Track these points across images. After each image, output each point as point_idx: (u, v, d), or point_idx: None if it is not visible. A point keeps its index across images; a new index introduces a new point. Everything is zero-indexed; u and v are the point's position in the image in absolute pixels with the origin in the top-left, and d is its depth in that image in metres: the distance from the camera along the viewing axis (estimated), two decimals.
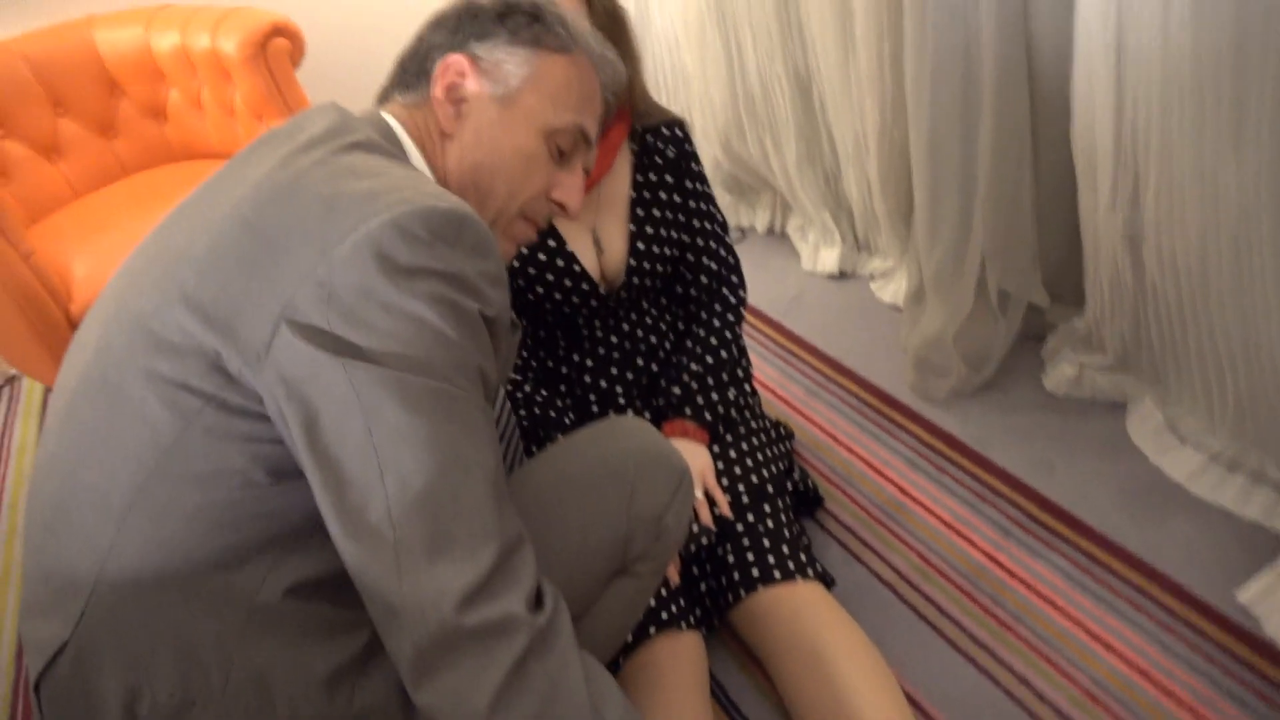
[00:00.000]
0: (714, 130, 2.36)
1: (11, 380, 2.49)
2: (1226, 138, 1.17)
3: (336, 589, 0.74)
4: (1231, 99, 1.15)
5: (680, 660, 1.19)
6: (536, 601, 0.71)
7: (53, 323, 1.82)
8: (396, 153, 0.84)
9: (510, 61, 0.88)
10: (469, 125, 0.88)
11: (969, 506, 1.48)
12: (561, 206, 0.96)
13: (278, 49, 2.13)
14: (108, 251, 1.94)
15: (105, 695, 0.70)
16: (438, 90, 0.88)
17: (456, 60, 0.88)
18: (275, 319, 0.68)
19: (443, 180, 0.89)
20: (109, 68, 2.31)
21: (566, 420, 1.40)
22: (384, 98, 0.93)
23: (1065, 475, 1.50)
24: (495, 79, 0.88)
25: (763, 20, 2.04)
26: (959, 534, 1.44)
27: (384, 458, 0.66)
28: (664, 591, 1.24)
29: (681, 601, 1.25)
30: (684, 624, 1.22)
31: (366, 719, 0.75)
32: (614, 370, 1.45)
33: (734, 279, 1.50)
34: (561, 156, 0.93)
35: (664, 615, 1.21)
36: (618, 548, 1.00)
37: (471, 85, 0.88)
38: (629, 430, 1.05)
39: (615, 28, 1.27)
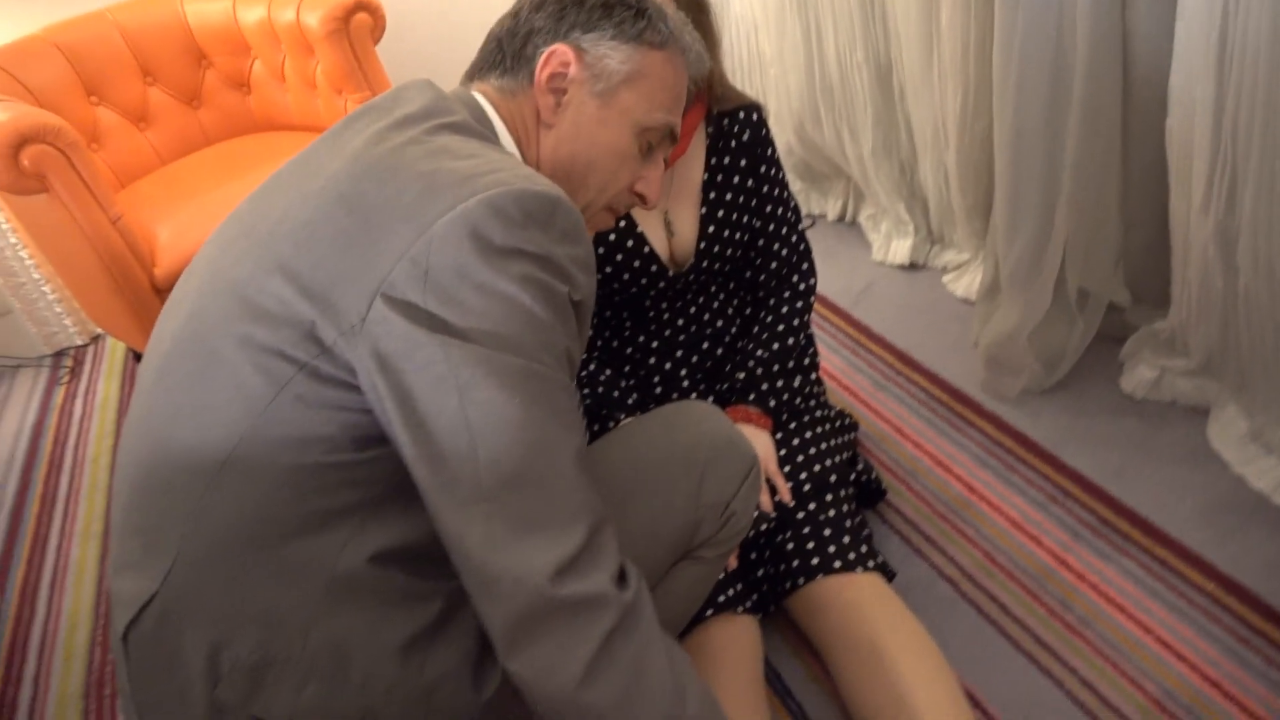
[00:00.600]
0: (788, 116, 2.34)
1: (96, 340, 2.58)
2: None
3: (414, 559, 0.76)
4: None
5: (735, 644, 1.19)
6: (621, 579, 0.73)
7: (137, 285, 1.88)
8: (489, 135, 0.84)
9: (614, 56, 0.88)
10: (568, 116, 0.88)
11: (1038, 507, 1.45)
12: (641, 197, 0.97)
13: (360, 24, 2.17)
14: (190, 217, 2.00)
15: (189, 649, 0.73)
16: (540, 79, 0.87)
17: (562, 50, 0.87)
18: (371, 293, 0.69)
19: (534, 168, 0.89)
20: (197, 39, 2.37)
21: (630, 401, 1.40)
22: (475, 75, 0.93)
23: (1140, 480, 1.46)
24: (597, 73, 0.88)
25: (845, 7, 2.01)
26: (1027, 534, 1.41)
27: (477, 433, 0.68)
28: (721, 575, 1.24)
29: (739, 586, 1.25)
30: (740, 608, 1.22)
31: (436, 688, 0.77)
32: (679, 353, 1.45)
33: (804, 266, 1.49)
34: (649, 150, 0.93)
35: (720, 599, 1.21)
36: (685, 532, 1.00)
37: (574, 77, 0.88)
38: (701, 415, 1.06)
39: (698, 13, 1.26)
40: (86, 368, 2.45)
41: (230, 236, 0.81)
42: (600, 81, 0.88)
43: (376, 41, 2.26)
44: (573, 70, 0.87)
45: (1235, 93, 1.23)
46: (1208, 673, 1.17)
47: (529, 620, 0.68)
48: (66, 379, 2.40)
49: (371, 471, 0.74)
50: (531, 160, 0.89)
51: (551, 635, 0.68)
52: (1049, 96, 1.50)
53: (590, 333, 1.47)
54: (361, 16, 2.17)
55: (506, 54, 0.90)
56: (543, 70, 0.87)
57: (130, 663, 0.76)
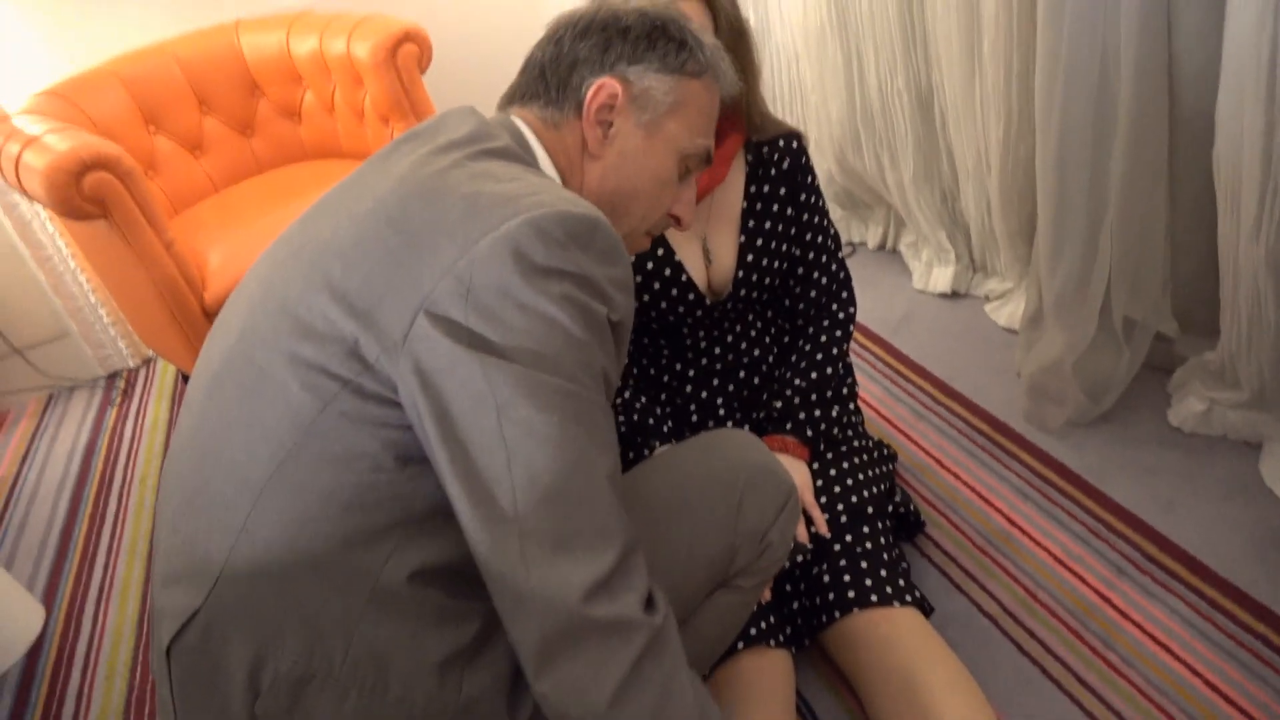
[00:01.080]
0: (829, 144, 2.34)
1: (148, 362, 2.65)
2: None
3: (454, 577, 0.77)
4: None
5: (767, 676, 1.18)
6: (650, 604, 0.73)
7: (188, 309, 1.93)
8: (530, 161, 0.86)
9: (659, 88, 0.89)
10: (614, 148, 0.90)
11: (1081, 542, 1.41)
12: (677, 220, 0.98)
13: (407, 54, 2.21)
14: (241, 243, 2.05)
15: (231, 663, 0.74)
16: (589, 111, 0.88)
17: (610, 84, 0.88)
18: (414, 310, 0.71)
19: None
20: (251, 70, 2.44)
21: (665, 428, 1.40)
22: (516, 99, 0.93)
23: (1188, 515, 1.42)
24: (643, 105, 0.89)
25: (886, 34, 2.00)
26: (1069, 569, 1.37)
27: (514, 451, 0.69)
28: (754, 607, 1.22)
29: (771, 619, 1.23)
30: (773, 641, 1.21)
31: (472, 708, 0.78)
32: (715, 381, 1.45)
33: (844, 295, 1.47)
34: (685, 174, 0.95)
35: (753, 631, 1.20)
36: (722, 561, 1.00)
37: (621, 111, 0.89)
38: (739, 444, 1.06)
39: (739, 42, 1.26)
40: (138, 390, 2.51)
41: (281, 257, 0.83)
42: (646, 113, 0.89)
43: (423, 71, 2.31)
44: (620, 103, 0.89)
45: None
46: (1256, 717, 1.12)
47: (560, 640, 0.68)
48: (119, 400, 2.47)
49: (414, 488, 0.75)
50: (575, 188, 0.90)
51: (582, 656, 0.68)
52: (1093, 122, 1.48)
53: (627, 359, 1.48)
54: (409, 47, 2.22)
55: (550, 84, 0.90)
56: (592, 103, 0.88)
57: (173, 677, 0.78)
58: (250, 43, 2.43)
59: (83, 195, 1.76)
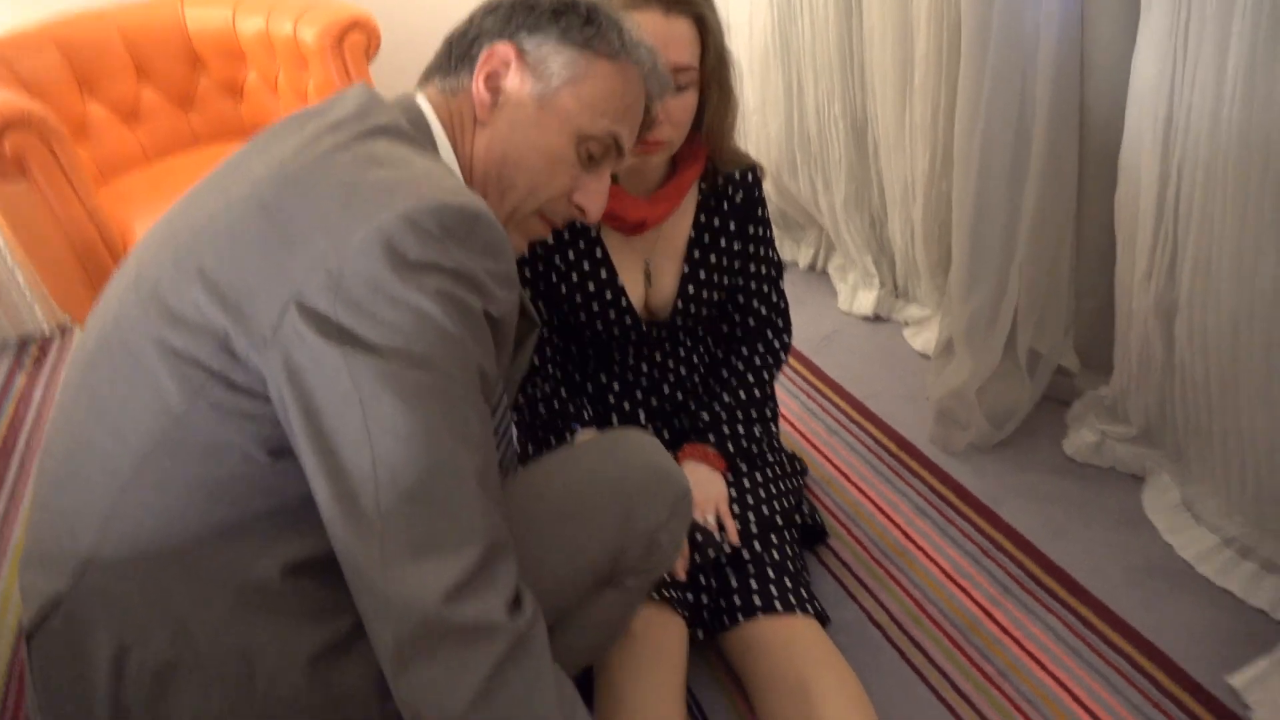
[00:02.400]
0: (767, 164, 2.39)
1: (63, 330, 2.59)
2: (1269, 222, 1.17)
3: (327, 571, 0.75)
4: (1277, 182, 1.15)
5: (663, 639, 1.19)
6: (515, 607, 0.72)
7: (108, 278, 1.90)
8: (422, 140, 0.84)
9: (556, 60, 0.87)
10: (503, 116, 0.88)
11: (971, 559, 1.48)
12: (581, 210, 0.95)
13: (354, 43, 2.21)
14: None
15: (95, 650, 0.73)
16: (479, 77, 0.87)
17: (503, 50, 0.87)
18: (284, 304, 0.69)
19: (467, 167, 0.89)
20: (195, 44, 2.41)
21: (585, 414, 1.40)
22: (426, 78, 0.93)
23: (1074, 540, 1.49)
24: (538, 75, 0.87)
25: (826, 61, 2.07)
26: (957, 585, 1.43)
27: (378, 449, 0.67)
28: (667, 577, 1.25)
29: (682, 592, 1.26)
30: (680, 611, 1.23)
31: (343, 702, 0.77)
32: (639, 394, 1.46)
33: (780, 323, 1.50)
34: (591, 161, 0.92)
35: (664, 592, 1.22)
36: (608, 559, 1.00)
37: (513, 77, 0.87)
38: (635, 445, 1.06)
39: (721, 70, 1.26)
40: (51, 357, 2.45)
41: (159, 239, 0.80)
42: (540, 83, 0.87)
43: (370, 59, 2.30)
44: (512, 69, 0.87)
45: (1178, 170, 1.28)
46: None
47: (417, 643, 0.67)
48: (30, 366, 2.40)
49: (285, 481, 0.74)
50: (465, 158, 0.88)
51: (440, 660, 0.67)
52: (1010, 163, 1.56)
53: (554, 359, 1.48)
54: (356, 36, 2.22)
55: (453, 55, 0.90)
56: (482, 68, 0.87)
57: (34, 661, 0.76)
58: (195, 16, 2.40)
59: (2, 154, 1.72)
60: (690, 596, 1.29)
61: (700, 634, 1.28)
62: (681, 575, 1.27)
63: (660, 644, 1.19)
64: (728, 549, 1.29)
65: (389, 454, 0.67)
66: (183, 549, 0.73)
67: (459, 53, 0.90)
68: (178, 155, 2.41)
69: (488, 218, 0.74)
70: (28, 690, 0.78)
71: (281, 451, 0.73)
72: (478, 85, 0.87)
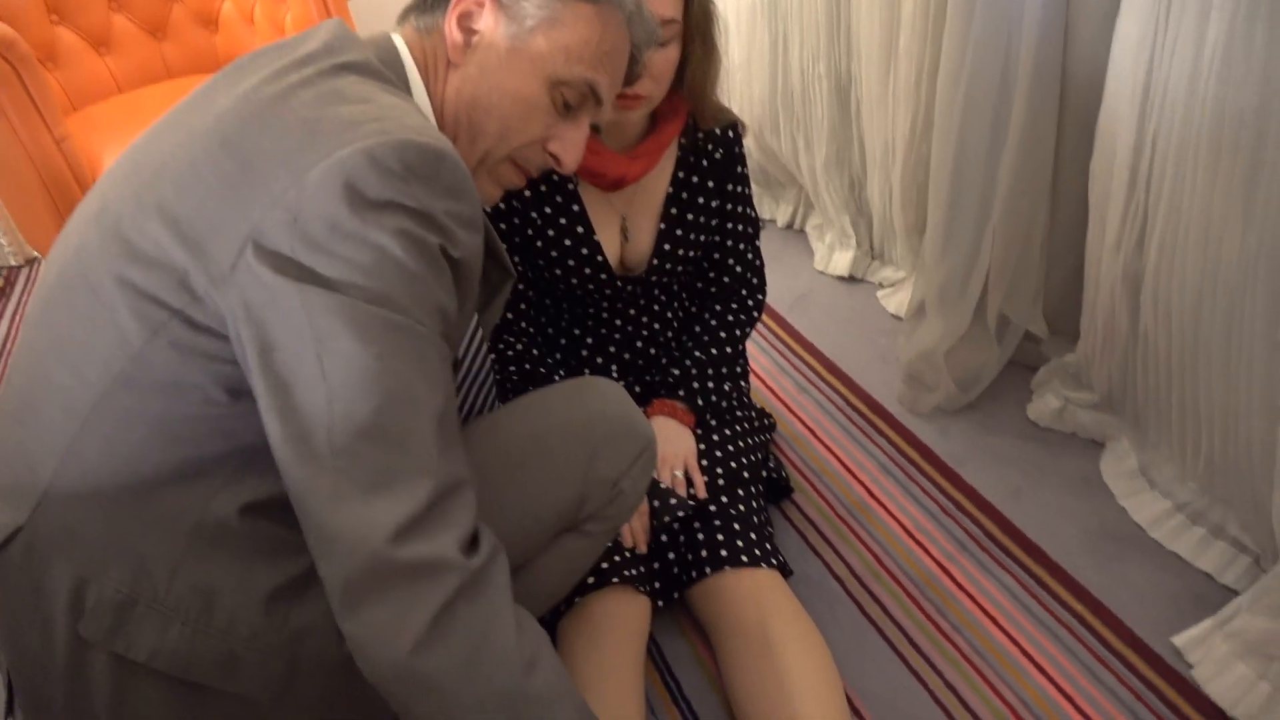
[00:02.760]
0: (750, 121, 2.38)
1: (31, 262, 2.54)
2: (1236, 197, 1.19)
3: (287, 510, 0.74)
4: (1247, 160, 1.16)
5: (622, 617, 1.22)
6: (472, 546, 0.71)
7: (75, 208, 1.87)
8: (393, 78, 0.82)
9: (531, 1, 0.85)
10: (475, 58, 0.86)
11: (931, 517, 1.51)
12: (556, 159, 0.92)
13: None
14: None
15: (53, 583, 0.73)
16: (452, 16, 0.84)
17: None
18: (243, 241, 0.68)
19: (439, 110, 0.87)
20: None
21: (556, 378, 1.41)
22: (404, 17, 0.91)
23: (1032, 502, 1.53)
24: (512, 16, 0.85)
25: (812, 20, 2.05)
26: (916, 541, 1.46)
27: (332, 386, 0.66)
28: (628, 554, 1.27)
29: (642, 568, 1.28)
30: (641, 588, 1.26)
31: (301, 639, 0.78)
32: (612, 349, 1.47)
33: (755, 282, 1.50)
34: (567, 109, 0.88)
35: (625, 574, 1.24)
36: (571, 505, 1.01)
37: (486, 18, 0.85)
38: (600, 392, 1.06)
39: (705, 24, 1.24)
40: (18, 289, 2.41)
41: (123, 172, 0.79)
42: (514, 24, 0.85)
43: None
44: (485, 10, 0.85)
45: (1152, 140, 1.29)
46: (1063, 686, 1.23)
47: (366, 581, 0.66)
48: None
49: (244, 423, 0.73)
50: (437, 100, 0.86)
51: (388, 598, 0.66)
52: (989, 128, 1.56)
53: (527, 314, 1.47)
54: None
55: None
56: (455, 7, 0.85)
57: None
58: None
59: None
60: (657, 564, 1.31)
61: (662, 604, 1.31)
62: (643, 548, 1.29)
63: (620, 623, 1.21)
64: (687, 513, 1.30)
65: (344, 390, 0.67)
66: (141, 487, 0.73)
67: None
68: (149, 86, 2.35)
69: (452, 158, 0.73)
70: None
71: (241, 393, 0.73)
72: (450, 25, 0.85)
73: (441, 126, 0.87)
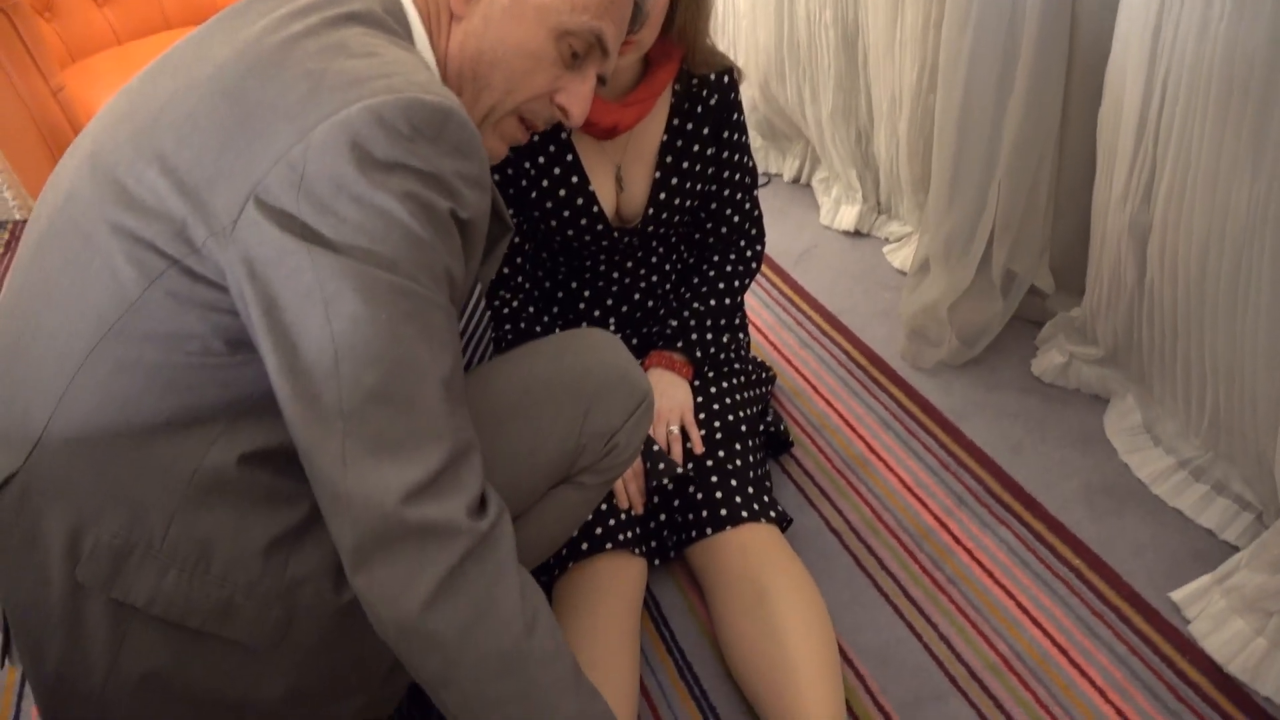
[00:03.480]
0: (755, 72, 2.34)
1: None
2: (1246, 147, 1.16)
3: (284, 461, 0.75)
4: (1257, 107, 1.13)
5: (619, 579, 1.22)
6: (480, 508, 0.72)
7: None
8: (397, 30, 0.80)
9: None
10: (478, 10, 0.83)
11: (930, 472, 1.50)
12: (564, 111, 0.90)
13: None
14: None
15: (49, 529, 0.73)
16: None
17: None
18: (245, 196, 0.67)
19: (442, 63, 0.85)
20: None
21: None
22: None
23: (1033, 458, 1.52)
24: None
25: None
26: (915, 496, 1.46)
27: (340, 348, 0.66)
28: (623, 516, 1.27)
29: (637, 529, 1.28)
30: (637, 550, 1.26)
31: (299, 587, 0.78)
32: (609, 302, 1.46)
33: (754, 232, 1.48)
34: (574, 59, 0.87)
35: (621, 537, 1.24)
36: (566, 457, 1.00)
37: None
38: (597, 344, 1.05)
39: None
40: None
41: (115, 116, 0.77)
42: None
43: None
44: None
45: (1162, 86, 1.26)
46: (1058, 639, 1.23)
47: (377, 541, 0.67)
48: (2, 251, 2.37)
49: (242, 374, 0.73)
50: (440, 54, 0.84)
51: (399, 559, 0.68)
52: (996, 77, 1.53)
53: (524, 269, 1.45)
54: None
55: None
56: None
57: None
58: None
59: None
60: (653, 523, 1.31)
61: (658, 562, 1.31)
62: (639, 509, 1.29)
63: (615, 585, 1.21)
64: (680, 467, 1.30)
65: (352, 352, 0.67)
66: (136, 434, 0.73)
67: None
68: (148, 37, 2.33)
69: (460, 116, 0.71)
70: None
71: (240, 344, 0.72)
72: None
73: (445, 81, 0.85)
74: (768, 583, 1.18)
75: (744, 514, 1.25)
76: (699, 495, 1.28)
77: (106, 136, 0.76)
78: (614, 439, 1.03)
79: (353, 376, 0.67)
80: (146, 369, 0.72)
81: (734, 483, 1.29)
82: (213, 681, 0.78)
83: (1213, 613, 1.22)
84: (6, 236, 2.44)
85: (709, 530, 1.25)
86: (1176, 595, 1.26)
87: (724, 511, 1.26)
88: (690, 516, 1.28)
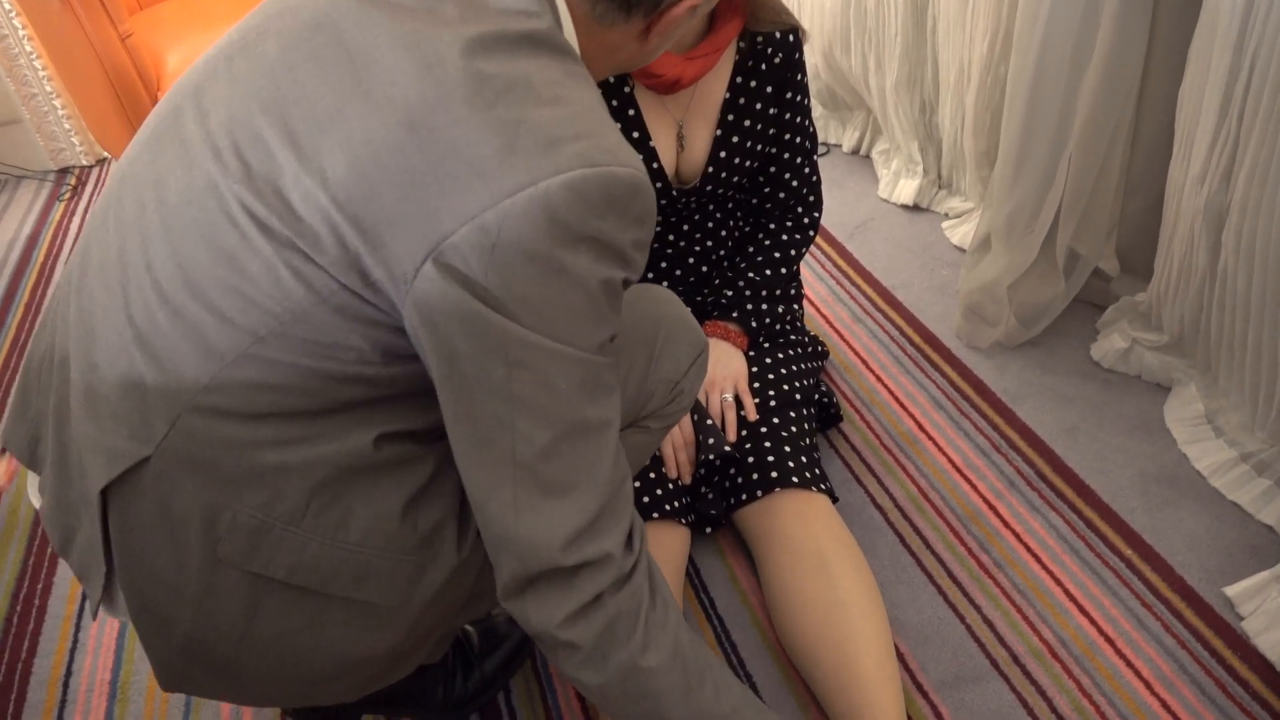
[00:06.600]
0: (818, 38, 2.29)
1: (101, 162, 2.59)
2: None
3: (417, 436, 0.79)
4: None
5: (664, 546, 1.23)
6: (629, 540, 0.76)
7: (141, 107, 1.89)
8: (569, 50, 0.76)
9: None
10: (650, 46, 0.85)
11: (981, 454, 1.47)
12: None
13: None
14: (202, 48, 1.98)
15: (184, 509, 0.74)
16: (660, 23, 0.80)
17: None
18: (429, 249, 0.65)
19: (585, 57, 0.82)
20: None
21: None
22: None
23: (1088, 443, 1.48)
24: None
25: None
26: (964, 477, 1.43)
27: (520, 406, 0.69)
28: (671, 486, 1.27)
29: (685, 498, 1.28)
30: (682, 520, 1.26)
31: (429, 542, 0.81)
32: (664, 265, 1.45)
33: (812, 199, 1.46)
34: None
35: (666, 507, 1.24)
36: (638, 402, 1.04)
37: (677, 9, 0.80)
38: (659, 298, 1.08)
39: None
40: (89, 189, 2.47)
41: (251, 102, 0.72)
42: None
43: None
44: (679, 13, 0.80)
45: (1249, 66, 1.20)
46: (1105, 628, 1.20)
47: (536, 579, 0.72)
48: (68, 196, 2.42)
49: (393, 379, 0.75)
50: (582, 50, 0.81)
51: (551, 591, 0.73)
52: (1073, 47, 1.47)
53: None
54: None
55: None
56: (669, 13, 0.79)
57: (110, 518, 0.77)
58: None
59: None
60: (703, 490, 1.31)
61: (710, 530, 1.31)
62: (687, 479, 1.29)
63: (659, 553, 1.21)
64: (730, 446, 1.29)
65: (531, 413, 0.69)
66: (277, 421, 0.74)
67: None
68: None
69: (646, 187, 0.71)
70: (85, 545, 0.79)
71: (395, 356, 0.73)
72: (655, 30, 0.81)
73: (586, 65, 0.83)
74: (829, 554, 1.18)
75: (795, 479, 1.24)
76: (751, 459, 1.28)
77: (242, 127, 0.72)
78: (679, 385, 1.06)
79: (528, 434, 0.70)
80: (300, 371, 0.72)
81: (787, 449, 1.28)
82: (337, 642, 0.81)
83: (1269, 610, 1.18)
84: (74, 182, 2.49)
85: (759, 493, 1.25)
86: (1231, 590, 1.23)
87: (775, 474, 1.25)
88: (740, 480, 1.28)
